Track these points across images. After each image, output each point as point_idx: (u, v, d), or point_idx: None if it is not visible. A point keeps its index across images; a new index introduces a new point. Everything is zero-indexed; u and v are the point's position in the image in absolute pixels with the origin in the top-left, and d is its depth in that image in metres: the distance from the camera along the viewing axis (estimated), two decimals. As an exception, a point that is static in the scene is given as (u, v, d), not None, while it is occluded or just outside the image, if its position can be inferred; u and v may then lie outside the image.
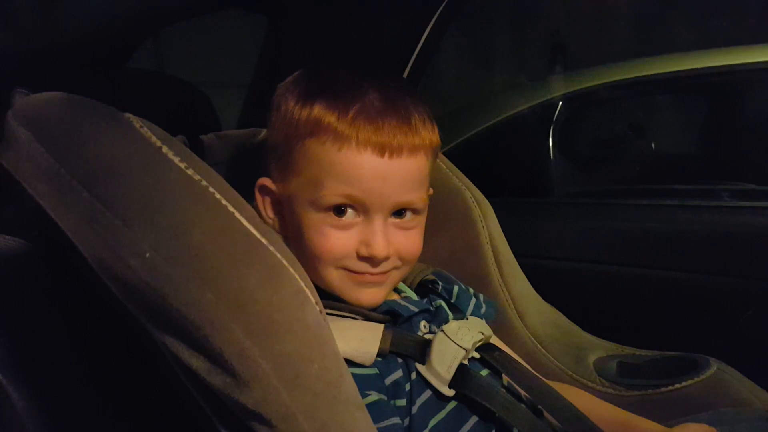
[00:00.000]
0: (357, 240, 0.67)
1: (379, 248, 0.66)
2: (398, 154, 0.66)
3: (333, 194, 0.65)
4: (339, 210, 0.66)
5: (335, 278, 0.68)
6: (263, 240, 0.53)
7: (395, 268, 0.70)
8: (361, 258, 0.67)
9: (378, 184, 0.66)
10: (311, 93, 0.68)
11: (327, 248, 0.67)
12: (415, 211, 0.70)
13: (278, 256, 0.53)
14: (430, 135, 0.70)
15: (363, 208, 0.67)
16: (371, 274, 0.68)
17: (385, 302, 0.71)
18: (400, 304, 0.72)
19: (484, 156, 1.73)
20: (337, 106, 0.65)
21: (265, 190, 0.72)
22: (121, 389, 0.65)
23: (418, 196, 0.69)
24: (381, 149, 0.65)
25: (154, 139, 0.54)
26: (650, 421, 0.75)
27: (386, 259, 0.68)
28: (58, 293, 0.65)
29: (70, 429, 0.62)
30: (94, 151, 0.52)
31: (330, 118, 0.65)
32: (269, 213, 0.72)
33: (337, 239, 0.67)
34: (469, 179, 1.00)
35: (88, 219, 0.50)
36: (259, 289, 0.50)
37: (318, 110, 0.66)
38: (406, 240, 0.70)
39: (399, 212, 0.69)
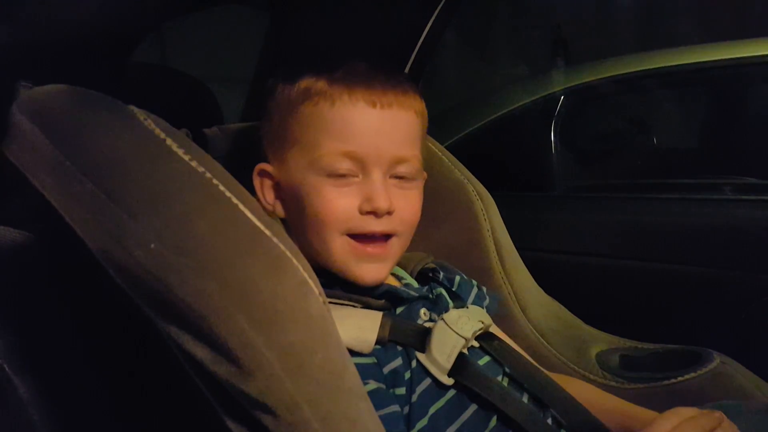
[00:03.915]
0: (358, 198, 0.68)
1: (381, 199, 0.67)
2: (389, 106, 0.69)
3: (330, 153, 0.67)
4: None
5: (339, 249, 0.69)
6: (267, 231, 0.53)
7: (395, 235, 0.71)
8: (364, 214, 0.68)
9: (372, 137, 0.68)
10: (298, 70, 0.71)
11: (330, 209, 0.68)
12: (411, 174, 0.72)
13: (282, 247, 0.53)
14: (418, 100, 0.73)
15: (361, 165, 0.68)
16: (374, 243, 0.69)
17: (384, 284, 0.72)
18: (399, 288, 0.72)
19: (486, 150, 1.72)
20: (325, 70, 0.69)
21: (263, 173, 0.73)
22: (126, 379, 0.66)
23: (412, 154, 0.71)
24: (372, 102, 0.68)
25: (158, 131, 0.54)
26: (651, 411, 0.75)
27: (389, 213, 0.69)
28: (62, 285, 0.65)
29: (75, 419, 0.62)
30: (99, 143, 0.52)
31: (320, 80, 0.68)
32: (269, 198, 0.73)
33: (339, 199, 0.68)
34: (472, 173, 1.01)
35: (92, 210, 0.51)
36: (263, 280, 0.51)
37: (307, 79, 0.69)
38: (405, 201, 0.71)
39: (396, 175, 0.71)
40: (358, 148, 0.67)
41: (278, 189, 0.73)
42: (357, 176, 0.68)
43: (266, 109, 0.74)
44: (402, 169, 0.70)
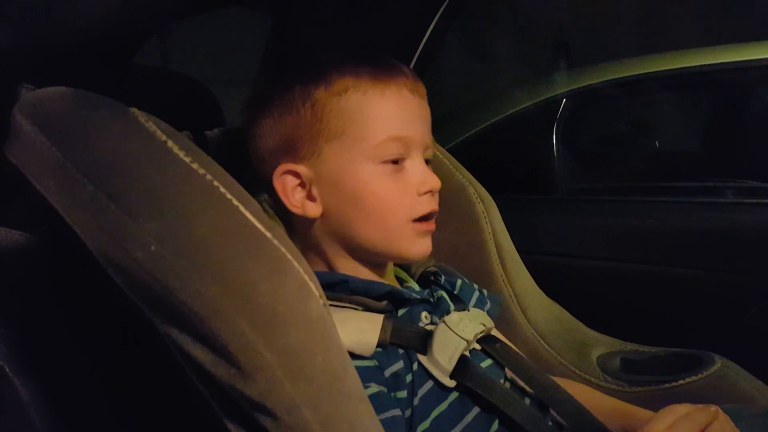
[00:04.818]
0: (414, 181, 0.71)
1: (433, 178, 0.71)
2: (422, 95, 0.74)
3: (385, 140, 0.69)
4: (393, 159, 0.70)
5: (407, 235, 0.71)
6: (267, 233, 0.53)
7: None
8: (421, 195, 0.71)
9: (417, 122, 0.72)
10: (324, 67, 0.71)
11: (397, 197, 0.70)
12: (430, 159, 0.76)
13: (282, 249, 0.53)
14: None
15: (407, 150, 0.71)
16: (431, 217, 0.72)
17: (386, 285, 0.72)
18: (401, 289, 0.73)
19: (488, 153, 1.73)
20: (362, 62, 0.71)
21: (289, 173, 0.71)
22: (127, 382, 0.66)
23: (431, 140, 0.75)
24: (412, 90, 0.71)
25: (159, 133, 0.54)
26: (651, 412, 0.75)
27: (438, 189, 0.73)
28: (63, 287, 0.65)
29: (75, 420, 0.63)
30: (100, 144, 0.53)
31: (361, 73, 0.70)
32: (295, 199, 0.71)
33: (400, 184, 0.70)
34: (473, 176, 1.01)
35: (93, 212, 0.51)
36: (263, 282, 0.51)
37: (346, 73, 0.69)
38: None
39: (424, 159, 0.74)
40: (408, 133, 0.70)
41: (308, 187, 0.71)
42: (405, 161, 0.71)
43: (286, 109, 0.71)
44: (429, 153, 0.75)
